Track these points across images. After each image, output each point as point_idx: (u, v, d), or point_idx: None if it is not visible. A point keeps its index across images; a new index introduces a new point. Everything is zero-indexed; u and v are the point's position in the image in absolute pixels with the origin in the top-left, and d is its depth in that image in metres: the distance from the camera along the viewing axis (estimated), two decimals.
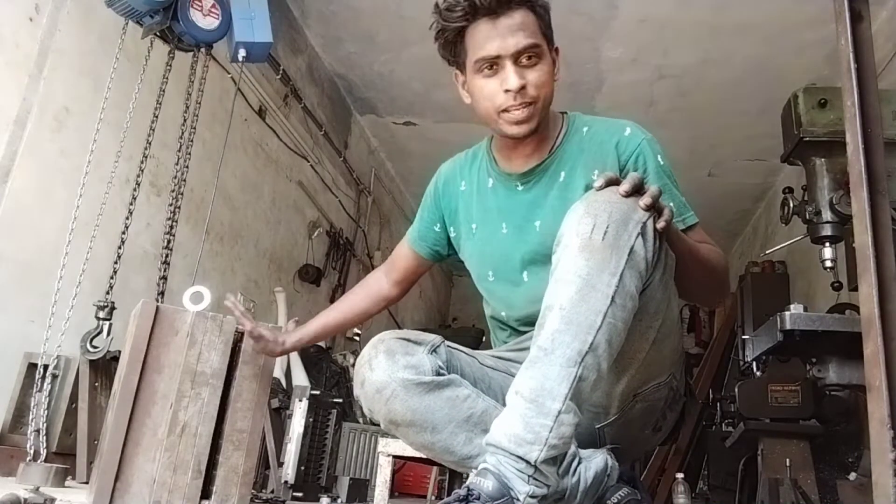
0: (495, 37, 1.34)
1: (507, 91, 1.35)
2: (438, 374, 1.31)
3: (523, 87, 1.34)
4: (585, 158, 1.44)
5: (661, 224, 1.12)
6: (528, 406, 1.05)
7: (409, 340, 1.34)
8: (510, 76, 1.34)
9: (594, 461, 1.25)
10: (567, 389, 1.05)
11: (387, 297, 1.79)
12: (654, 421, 1.42)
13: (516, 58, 1.35)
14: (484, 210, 1.55)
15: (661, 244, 1.17)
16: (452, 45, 1.42)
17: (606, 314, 1.07)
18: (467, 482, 1.07)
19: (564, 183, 1.44)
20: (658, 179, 1.38)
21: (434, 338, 1.38)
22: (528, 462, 1.04)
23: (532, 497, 1.05)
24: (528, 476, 1.05)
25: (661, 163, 1.42)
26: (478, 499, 1.02)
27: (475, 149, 1.66)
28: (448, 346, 1.41)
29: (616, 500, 1.25)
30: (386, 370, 1.29)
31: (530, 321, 1.32)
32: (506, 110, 1.37)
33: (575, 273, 1.08)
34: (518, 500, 1.03)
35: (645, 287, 1.16)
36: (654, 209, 1.13)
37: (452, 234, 1.66)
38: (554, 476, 1.09)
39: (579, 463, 1.22)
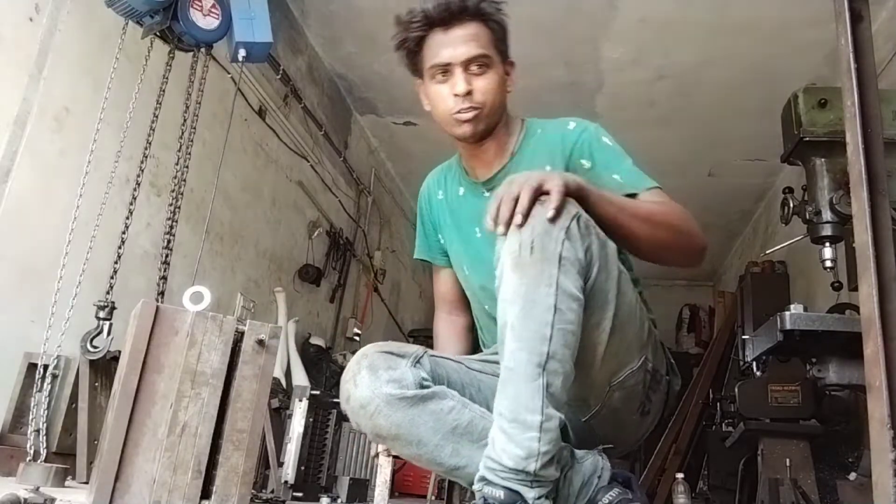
0: (447, 45, 1.47)
1: (455, 95, 1.47)
2: (422, 386, 1.33)
3: (469, 93, 1.46)
4: (539, 159, 1.52)
5: (550, 213, 1.14)
6: (512, 425, 1.11)
7: (392, 354, 1.37)
8: (459, 81, 1.46)
9: (585, 463, 1.28)
10: (540, 401, 1.10)
11: (466, 327, 1.80)
12: (639, 405, 1.46)
13: (466, 65, 1.47)
14: (458, 217, 1.65)
15: (591, 238, 1.20)
16: (413, 55, 1.54)
17: (554, 323, 1.12)
18: (478, 495, 1.13)
19: None
20: (603, 157, 1.46)
21: (416, 349, 1.41)
22: (528, 473, 1.10)
23: (538, 499, 1.11)
24: (531, 482, 1.10)
25: (605, 142, 1.49)
26: None
27: (450, 160, 1.77)
28: (432, 355, 1.44)
29: (607, 501, 1.26)
30: (369, 386, 1.32)
31: None
32: (455, 113, 1.49)
33: (514, 292, 1.14)
34: (529, 501, 1.10)
35: (586, 283, 1.19)
36: (559, 207, 1.15)
37: (442, 242, 1.74)
38: (556, 468, 1.14)
39: (569, 464, 1.26)
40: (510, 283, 1.15)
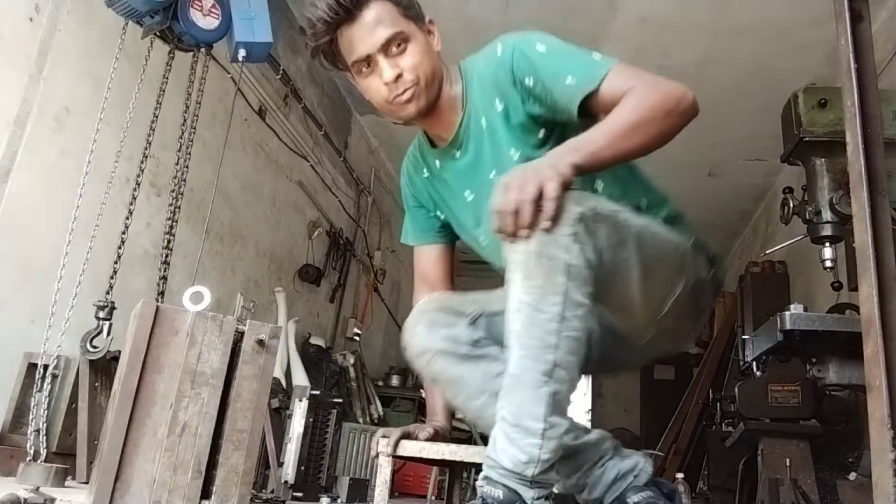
0: (358, 38, 1.40)
1: (385, 84, 1.41)
2: (476, 345, 1.40)
3: (399, 75, 1.41)
4: (487, 96, 1.45)
5: (545, 224, 1.10)
6: (514, 429, 1.11)
7: (451, 312, 1.45)
8: (384, 69, 1.40)
9: (626, 460, 1.33)
10: (544, 408, 1.10)
11: None
12: (690, 315, 1.47)
13: (385, 50, 1.40)
14: (448, 188, 1.60)
15: (599, 230, 1.17)
16: (332, 56, 1.47)
17: (560, 331, 1.11)
18: (479, 491, 1.14)
19: (489, 128, 1.45)
20: (545, 68, 1.35)
21: (475, 310, 1.47)
22: (526, 476, 1.11)
23: (538, 499, 1.12)
24: (530, 483, 1.11)
25: (539, 50, 1.38)
26: None
27: (415, 140, 1.74)
28: (489, 314, 1.47)
29: (635, 500, 1.29)
30: (425, 340, 1.45)
31: None
32: (393, 100, 1.44)
33: (520, 300, 1.13)
34: (528, 501, 1.11)
35: (605, 263, 1.17)
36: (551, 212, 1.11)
37: (442, 217, 1.70)
38: (554, 477, 1.15)
39: (610, 455, 1.33)
40: (516, 292, 1.13)
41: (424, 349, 1.44)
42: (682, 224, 1.48)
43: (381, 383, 5.59)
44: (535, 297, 1.11)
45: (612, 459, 1.32)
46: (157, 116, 2.36)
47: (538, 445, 1.09)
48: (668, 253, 1.35)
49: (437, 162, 1.61)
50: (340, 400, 2.98)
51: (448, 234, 1.72)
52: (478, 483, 1.16)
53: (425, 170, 1.67)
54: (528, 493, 1.11)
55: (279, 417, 2.72)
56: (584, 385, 8.76)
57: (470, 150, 1.50)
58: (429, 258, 1.73)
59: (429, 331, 1.43)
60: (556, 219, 1.10)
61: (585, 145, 1.20)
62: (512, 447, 1.11)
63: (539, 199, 1.10)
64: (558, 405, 1.12)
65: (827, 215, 2.06)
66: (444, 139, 1.55)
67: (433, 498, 4.10)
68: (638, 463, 1.32)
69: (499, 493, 1.10)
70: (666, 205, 1.49)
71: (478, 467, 1.29)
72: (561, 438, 1.12)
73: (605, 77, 1.29)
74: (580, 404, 8.51)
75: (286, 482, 2.47)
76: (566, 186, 1.12)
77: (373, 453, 1.64)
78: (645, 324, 1.41)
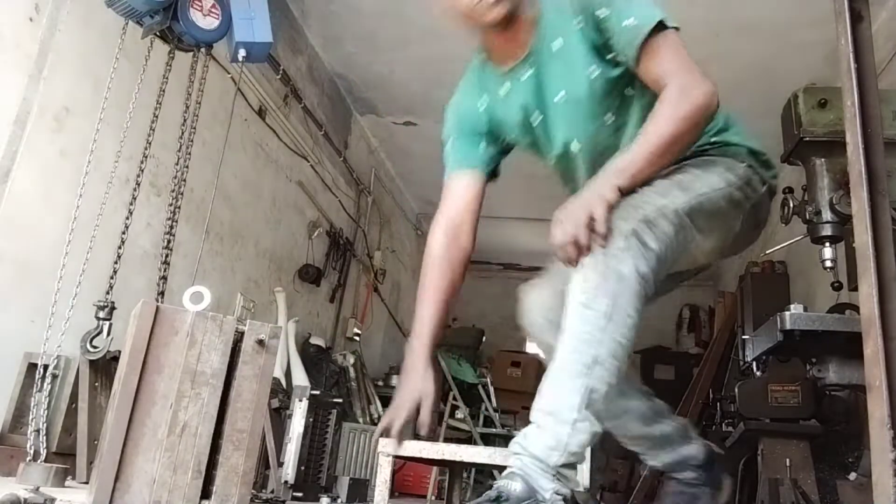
0: None
1: None
2: None
3: None
4: (564, 19, 1.47)
5: (600, 243, 1.20)
6: (547, 417, 1.19)
7: (554, 292, 1.51)
8: None
9: (691, 447, 1.59)
10: (579, 399, 1.17)
11: (465, 254, 1.68)
12: (753, 226, 1.57)
13: None
14: (511, 111, 1.58)
15: (653, 240, 1.24)
16: None
17: (606, 329, 1.19)
18: (496, 485, 1.17)
19: (564, 49, 1.48)
20: (614, 5, 1.41)
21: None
22: (549, 465, 1.16)
23: (558, 494, 1.15)
24: (552, 475, 1.16)
25: None
26: (507, 500, 1.13)
27: (468, 75, 1.70)
28: None
29: (678, 477, 1.59)
30: (530, 311, 1.62)
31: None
32: (478, 2, 1.42)
33: (575, 301, 1.23)
34: (545, 498, 1.14)
35: (667, 254, 1.27)
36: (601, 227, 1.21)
37: (500, 142, 1.69)
38: (574, 480, 1.19)
39: (682, 443, 1.59)
40: (573, 295, 1.23)
41: (532, 320, 1.61)
42: (736, 131, 1.58)
43: (381, 383, 5.59)
44: (588, 296, 1.20)
45: (681, 446, 1.56)
46: (157, 116, 2.36)
47: (567, 434, 1.16)
48: (724, 203, 1.42)
49: (502, 84, 1.59)
50: (340, 400, 2.98)
51: (490, 163, 1.70)
52: (500, 477, 1.21)
53: (486, 94, 1.64)
54: (548, 485, 1.14)
55: (279, 417, 2.72)
56: None
57: (540, 72, 1.51)
58: (463, 184, 1.68)
59: (535, 305, 1.61)
60: (608, 237, 1.20)
61: (628, 169, 1.29)
62: (543, 433, 1.17)
63: (591, 223, 1.20)
64: (593, 404, 1.18)
65: (827, 215, 2.06)
66: (512, 59, 1.55)
67: (433, 498, 4.10)
68: (698, 451, 1.57)
69: (517, 486, 1.14)
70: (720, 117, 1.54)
71: (478, 467, 1.31)
72: (587, 438, 1.18)
73: (646, 29, 1.36)
74: None
75: (286, 482, 2.47)
76: (612, 208, 1.23)
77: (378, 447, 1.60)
78: (710, 260, 1.58)
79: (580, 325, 1.20)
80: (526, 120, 1.56)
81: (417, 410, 1.51)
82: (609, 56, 1.43)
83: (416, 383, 1.54)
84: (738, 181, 1.44)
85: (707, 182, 1.39)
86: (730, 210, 1.44)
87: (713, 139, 1.53)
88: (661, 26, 1.37)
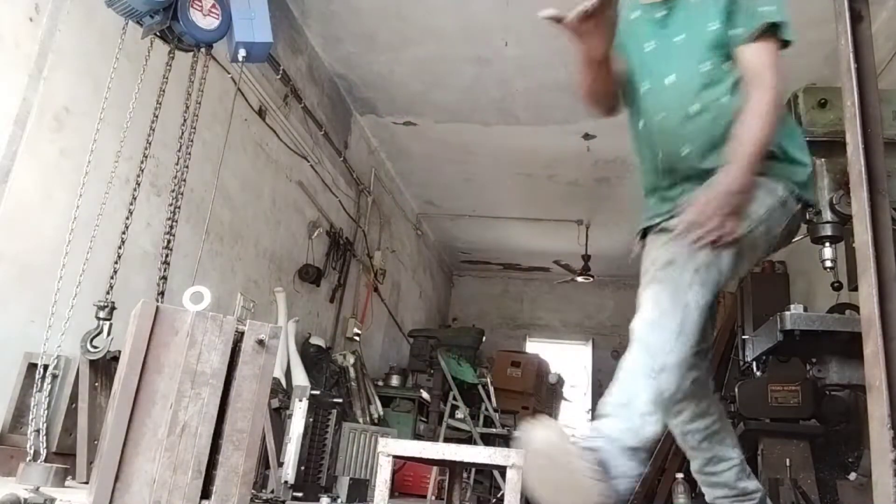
0: None
1: None
2: None
3: None
4: None
5: (711, 247, 1.45)
6: (619, 408, 1.39)
7: None
8: None
9: (750, 483, 1.74)
10: (652, 395, 1.37)
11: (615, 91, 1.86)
12: (787, 234, 1.71)
13: None
14: (634, 36, 1.78)
15: (749, 249, 1.55)
16: None
17: (676, 342, 1.40)
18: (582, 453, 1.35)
19: (700, 3, 1.68)
20: None
21: None
22: (625, 446, 1.33)
23: (631, 473, 1.33)
24: (629, 455, 1.34)
25: None
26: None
27: None
28: None
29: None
30: None
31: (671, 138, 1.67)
32: None
33: (643, 320, 1.47)
34: (620, 473, 1.32)
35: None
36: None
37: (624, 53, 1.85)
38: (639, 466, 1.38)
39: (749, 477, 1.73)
40: (644, 314, 1.47)
41: None
42: (790, 141, 1.69)
43: (381, 383, 5.60)
44: (661, 316, 1.43)
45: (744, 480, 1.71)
46: (157, 116, 2.36)
47: (640, 423, 1.35)
48: (764, 230, 1.59)
49: (639, 13, 1.79)
50: (340, 400, 2.98)
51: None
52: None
53: (632, 13, 1.83)
54: (625, 462, 1.32)
55: (279, 417, 2.72)
56: (585, 384, 8.77)
57: (670, 14, 1.72)
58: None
59: None
60: (719, 247, 1.46)
61: (740, 164, 1.49)
62: (617, 420, 1.37)
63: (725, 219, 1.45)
64: (663, 404, 1.38)
65: (827, 215, 2.06)
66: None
67: (433, 498, 4.10)
68: (758, 491, 1.72)
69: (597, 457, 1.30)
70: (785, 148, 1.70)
71: (478, 467, 1.32)
72: (658, 433, 1.35)
73: (762, 35, 1.60)
74: (580, 404, 8.50)
75: (286, 482, 2.47)
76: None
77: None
78: (745, 274, 1.79)
79: (652, 337, 1.42)
80: (641, 46, 1.76)
81: None
82: (731, 22, 1.62)
83: None
84: (776, 205, 1.60)
85: (753, 216, 1.56)
86: (769, 235, 1.62)
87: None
88: (780, 30, 1.60)
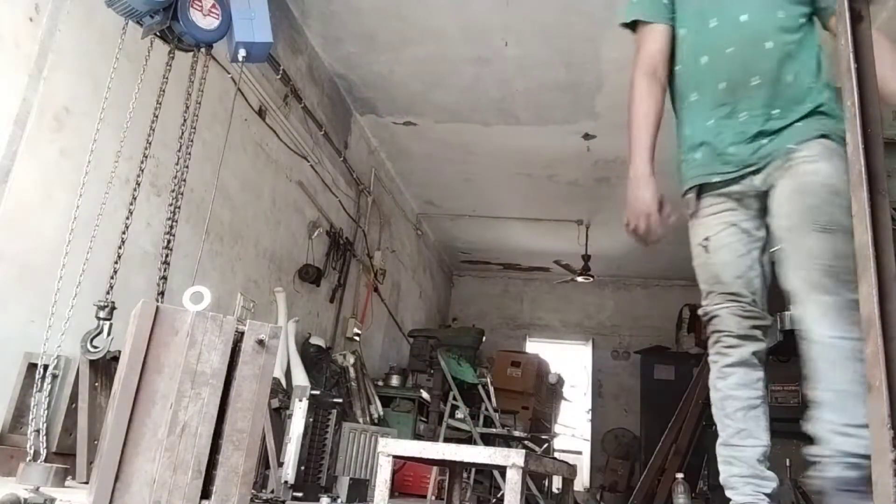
0: None
1: None
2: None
3: None
4: None
5: None
6: (854, 428, 1.48)
7: None
8: None
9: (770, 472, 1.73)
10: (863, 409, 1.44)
11: (663, 88, 1.92)
12: None
13: None
14: None
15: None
16: None
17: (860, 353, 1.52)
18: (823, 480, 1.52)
19: None
20: None
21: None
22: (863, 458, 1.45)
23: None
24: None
25: None
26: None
27: None
28: None
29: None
30: None
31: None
32: None
33: (829, 336, 1.57)
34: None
35: None
36: None
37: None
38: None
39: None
40: (822, 328, 1.58)
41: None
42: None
43: (381, 383, 5.60)
44: (846, 331, 1.50)
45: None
46: (157, 116, 2.36)
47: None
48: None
49: None
50: (340, 400, 2.97)
51: (671, 18, 1.93)
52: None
53: None
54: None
55: (279, 417, 2.72)
56: (585, 384, 8.77)
57: None
58: (659, 38, 1.92)
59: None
60: None
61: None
62: (850, 439, 1.45)
63: None
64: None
65: None
66: None
67: (433, 498, 4.10)
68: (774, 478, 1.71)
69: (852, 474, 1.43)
70: None
71: (478, 467, 1.30)
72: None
73: None
74: (580, 404, 8.51)
75: (286, 482, 2.47)
76: None
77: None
78: None
79: (850, 345, 1.48)
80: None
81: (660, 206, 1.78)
82: None
83: (652, 186, 1.80)
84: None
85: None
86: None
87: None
88: None
